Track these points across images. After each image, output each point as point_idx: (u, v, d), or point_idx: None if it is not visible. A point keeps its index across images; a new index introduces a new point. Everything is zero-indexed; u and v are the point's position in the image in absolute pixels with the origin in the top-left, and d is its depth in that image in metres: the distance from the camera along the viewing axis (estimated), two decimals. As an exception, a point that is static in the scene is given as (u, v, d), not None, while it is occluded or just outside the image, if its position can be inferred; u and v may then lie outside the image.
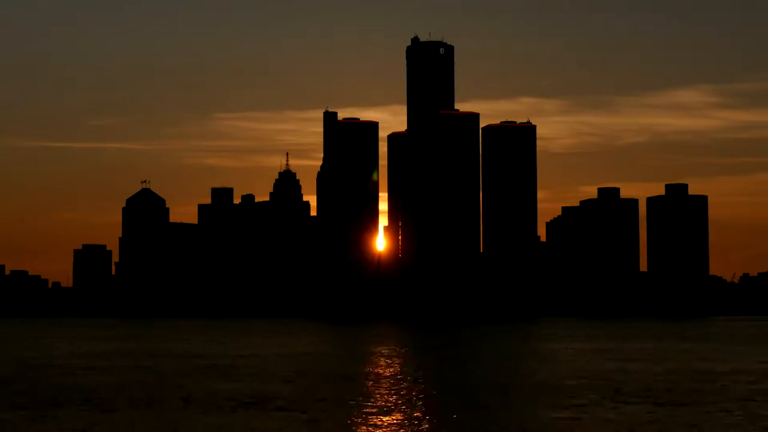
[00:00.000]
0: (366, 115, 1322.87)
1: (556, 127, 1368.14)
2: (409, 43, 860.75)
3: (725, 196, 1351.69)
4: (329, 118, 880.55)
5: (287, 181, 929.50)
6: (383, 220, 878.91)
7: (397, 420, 49.60)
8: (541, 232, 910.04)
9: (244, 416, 51.78)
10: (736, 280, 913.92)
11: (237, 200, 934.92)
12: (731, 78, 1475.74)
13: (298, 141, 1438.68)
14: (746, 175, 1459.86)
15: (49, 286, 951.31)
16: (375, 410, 54.46)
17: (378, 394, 65.15)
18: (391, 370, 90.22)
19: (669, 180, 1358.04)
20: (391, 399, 61.34)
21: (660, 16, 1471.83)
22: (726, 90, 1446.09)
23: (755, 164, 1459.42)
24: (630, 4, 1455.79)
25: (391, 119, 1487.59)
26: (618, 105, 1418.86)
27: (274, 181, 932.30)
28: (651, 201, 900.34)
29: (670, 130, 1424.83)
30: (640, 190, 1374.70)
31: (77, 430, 47.22)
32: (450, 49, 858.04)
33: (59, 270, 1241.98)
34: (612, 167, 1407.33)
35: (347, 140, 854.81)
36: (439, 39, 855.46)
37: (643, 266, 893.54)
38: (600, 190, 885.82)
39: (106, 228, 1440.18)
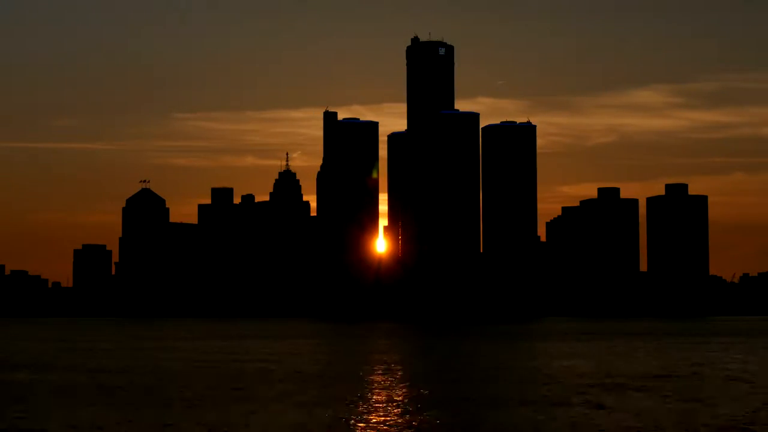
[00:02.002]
0: (366, 115, 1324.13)
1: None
2: (409, 43, 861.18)
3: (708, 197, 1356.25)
4: (329, 118, 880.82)
5: (287, 181, 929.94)
6: (383, 221, 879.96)
7: (394, 420, 49.61)
8: (541, 232, 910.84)
9: (237, 415, 51.75)
10: (736, 280, 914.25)
11: (237, 200, 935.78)
12: (685, 78, 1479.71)
13: (297, 141, 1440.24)
14: (726, 175, 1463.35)
15: (49, 286, 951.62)
16: (373, 410, 54.46)
17: (376, 394, 65.15)
18: (390, 369, 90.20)
19: (644, 179, 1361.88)
20: (389, 399, 61.34)
21: (610, 17, 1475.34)
22: (683, 90, 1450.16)
23: (733, 164, 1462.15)
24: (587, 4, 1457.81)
25: (391, 119, 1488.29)
26: (579, 105, 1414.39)
27: (274, 181, 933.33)
28: (651, 201, 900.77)
29: (638, 131, 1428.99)
30: (635, 190, 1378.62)
31: None
32: (450, 49, 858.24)
33: (59, 270, 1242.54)
34: (583, 167, 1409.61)
35: (347, 140, 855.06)
36: (439, 39, 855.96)
37: (643, 266, 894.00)
38: (600, 190, 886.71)
39: (106, 228, 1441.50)
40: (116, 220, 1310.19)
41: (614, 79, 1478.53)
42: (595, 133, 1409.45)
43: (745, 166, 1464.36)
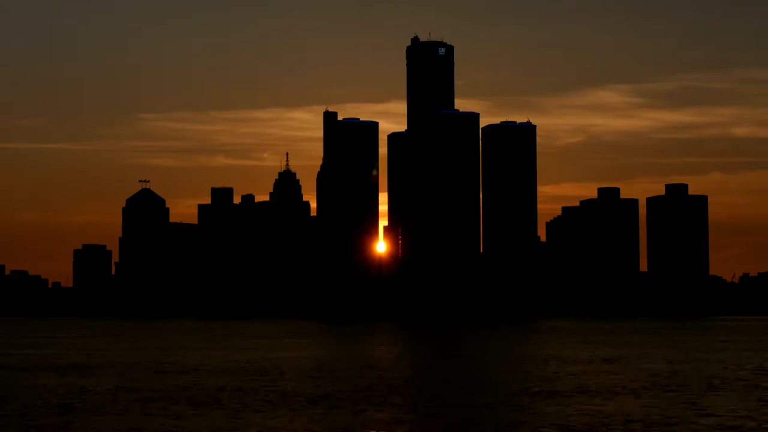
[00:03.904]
0: (366, 114, 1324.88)
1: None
2: (409, 43, 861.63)
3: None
4: (329, 118, 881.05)
5: (287, 181, 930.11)
6: (383, 221, 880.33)
7: (392, 420, 49.58)
8: (541, 232, 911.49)
9: (234, 415, 51.72)
10: (736, 280, 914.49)
11: (237, 200, 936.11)
12: (641, 78, 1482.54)
13: (297, 141, 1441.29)
14: (703, 175, 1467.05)
15: (49, 286, 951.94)
16: (371, 411, 54.44)
17: (375, 394, 65.14)
18: (389, 369, 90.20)
19: (619, 180, 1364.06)
20: (388, 399, 61.31)
21: (562, 18, 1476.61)
22: (641, 90, 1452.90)
23: (708, 164, 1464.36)
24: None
25: (391, 119, 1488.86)
26: (541, 105, 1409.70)
27: (274, 181, 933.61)
28: (651, 201, 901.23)
29: (606, 131, 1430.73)
30: (586, 189, 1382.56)
31: None
32: (450, 49, 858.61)
33: (59, 270, 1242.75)
34: (557, 167, 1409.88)
35: (347, 140, 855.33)
36: (439, 39, 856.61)
37: (643, 266, 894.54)
38: (600, 190, 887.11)
39: (106, 228, 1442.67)
40: (116, 220, 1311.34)
41: (572, 80, 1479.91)
42: (562, 133, 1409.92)
43: (721, 165, 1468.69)
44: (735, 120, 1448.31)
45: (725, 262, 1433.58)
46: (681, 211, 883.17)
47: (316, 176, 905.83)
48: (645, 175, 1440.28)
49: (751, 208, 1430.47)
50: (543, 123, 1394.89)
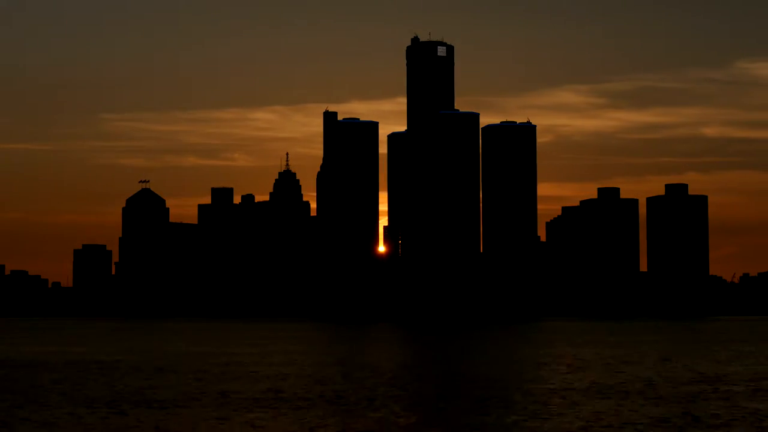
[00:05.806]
0: (366, 114, 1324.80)
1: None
2: (409, 43, 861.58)
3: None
4: (329, 118, 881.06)
5: (287, 181, 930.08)
6: (383, 221, 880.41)
7: (393, 421, 49.49)
8: (541, 232, 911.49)
9: (232, 417, 51.60)
10: (736, 280, 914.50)
11: (237, 200, 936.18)
12: (597, 79, 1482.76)
13: (298, 141, 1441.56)
14: (680, 174, 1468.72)
15: (49, 286, 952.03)
16: (371, 411, 54.36)
17: (375, 395, 65.03)
18: (389, 370, 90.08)
19: (601, 182, 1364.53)
20: (388, 400, 61.22)
21: (518, 17, 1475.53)
22: (599, 90, 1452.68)
23: (683, 164, 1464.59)
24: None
25: (391, 119, 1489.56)
26: (502, 106, 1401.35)
27: (274, 181, 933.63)
28: (651, 201, 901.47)
29: (574, 131, 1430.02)
30: (570, 190, 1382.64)
31: None
32: (450, 49, 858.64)
33: (59, 270, 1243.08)
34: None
35: (347, 140, 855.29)
36: (439, 39, 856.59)
37: (643, 266, 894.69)
38: (600, 190, 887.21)
39: (106, 228, 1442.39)
40: (116, 220, 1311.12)
41: (529, 80, 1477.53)
42: None
43: (696, 165, 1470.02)
44: (702, 120, 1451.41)
45: (715, 263, 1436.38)
46: (681, 211, 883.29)
47: (316, 176, 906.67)
48: (624, 176, 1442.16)
49: (732, 208, 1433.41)
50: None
